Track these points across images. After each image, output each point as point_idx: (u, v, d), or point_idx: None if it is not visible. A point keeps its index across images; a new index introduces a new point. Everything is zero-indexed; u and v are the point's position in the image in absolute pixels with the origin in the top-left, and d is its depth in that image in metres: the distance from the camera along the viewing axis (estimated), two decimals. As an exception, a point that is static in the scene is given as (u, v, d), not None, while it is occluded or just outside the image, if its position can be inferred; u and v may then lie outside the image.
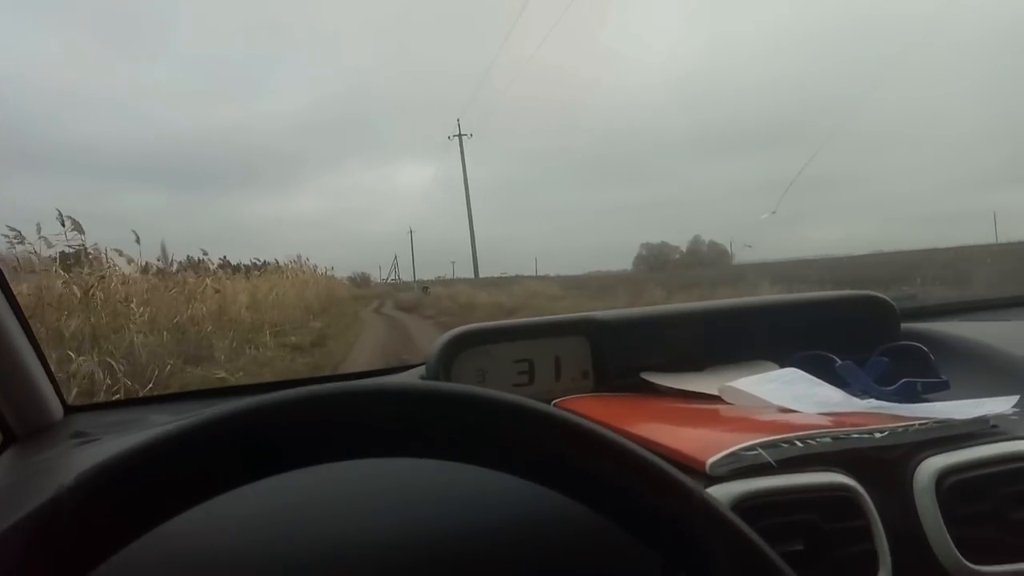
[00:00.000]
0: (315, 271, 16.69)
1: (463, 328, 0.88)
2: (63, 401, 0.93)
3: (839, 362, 0.79)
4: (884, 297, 0.95)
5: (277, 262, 13.78)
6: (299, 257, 15.45)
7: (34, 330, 0.89)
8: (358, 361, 7.54)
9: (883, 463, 0.57)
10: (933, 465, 0.55)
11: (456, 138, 24.08)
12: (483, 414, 0.38)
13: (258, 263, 12.98)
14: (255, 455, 0.37)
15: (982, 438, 0.58)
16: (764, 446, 0.55)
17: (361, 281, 32.25)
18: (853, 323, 0.92)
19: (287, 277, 13.40)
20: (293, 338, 8.95)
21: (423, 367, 0.90)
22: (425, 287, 25.86)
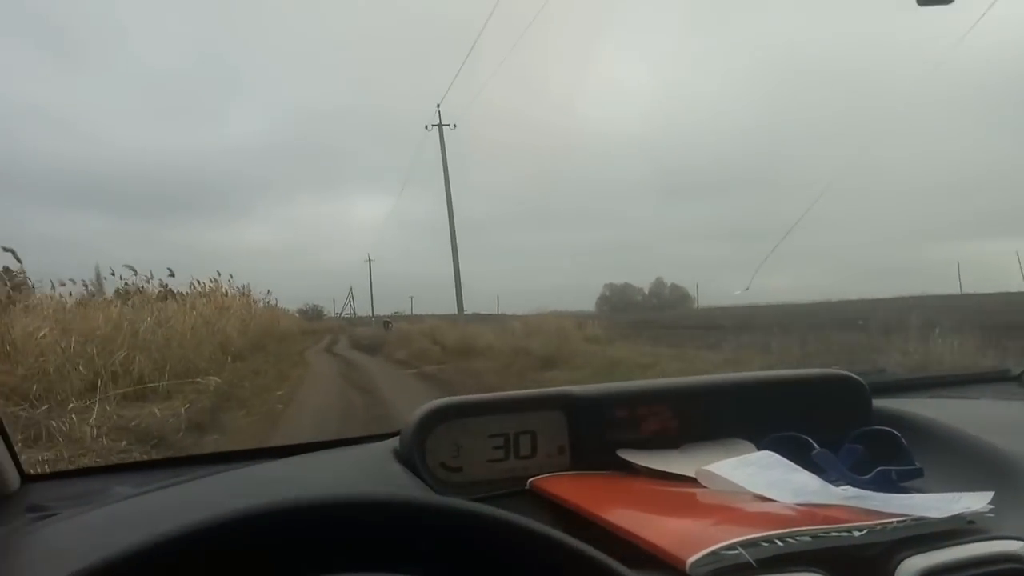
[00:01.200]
0: (247, 297, 12.88)
1: (440, 401, 0.87)
2: (20, 470, 0.89)
3: (815, 446, 0.79)
4: (854, 376, 0.97)
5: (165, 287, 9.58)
6: (218, 276, 11.85)
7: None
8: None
9: (862, 562, 0.57)
10: (913, 566, 0.55)
11: (434, 128, 20.20)
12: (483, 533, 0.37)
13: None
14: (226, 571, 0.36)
15: (960, 537, 0.59)
16: (744, 544, 0.55)
17: (313, 314, 29.57)
18: (825, 402, 0.93)
19: (190, 303, 9.57)
20: (157, 409, 4.91)
21: (396, 438, 0.89)
22: (387, 321, 23.60)
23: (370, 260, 29.91)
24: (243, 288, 13.10)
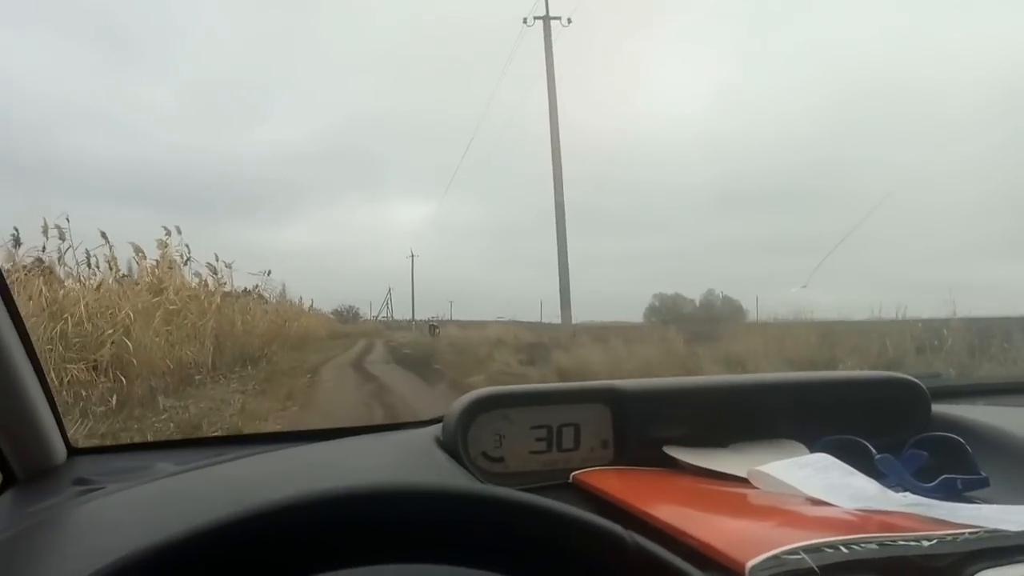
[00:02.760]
0: (217, 280, 8.32)
1: (483, 391, 0.86)
2: (67, 443, 0.90)
3: (873, 451, 0.76)
4: (914, 379, 0.93)
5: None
6: (166, 239, 7.22)
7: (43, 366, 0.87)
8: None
9: (931, 572, 0.54)
10: None
11: (536, 22, 14.58)
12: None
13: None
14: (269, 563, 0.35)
15: None
16: (807, 550, 0.52)
17: (348, 316, 27.11)
18: (882, 405, 0.89)
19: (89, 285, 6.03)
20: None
21: (438, 425, 0.88)
22: (433, 325, 20.15)
23: (413, 256, 28.49)
24: (215, 267, 8.24)
